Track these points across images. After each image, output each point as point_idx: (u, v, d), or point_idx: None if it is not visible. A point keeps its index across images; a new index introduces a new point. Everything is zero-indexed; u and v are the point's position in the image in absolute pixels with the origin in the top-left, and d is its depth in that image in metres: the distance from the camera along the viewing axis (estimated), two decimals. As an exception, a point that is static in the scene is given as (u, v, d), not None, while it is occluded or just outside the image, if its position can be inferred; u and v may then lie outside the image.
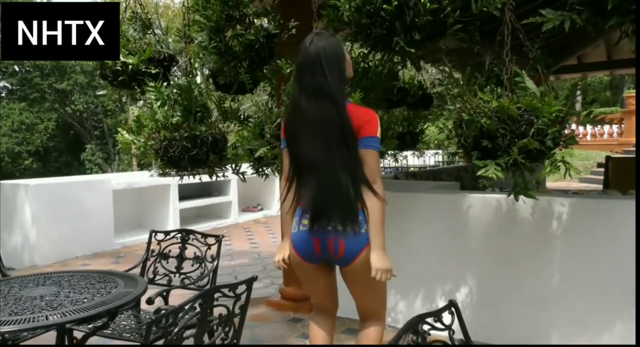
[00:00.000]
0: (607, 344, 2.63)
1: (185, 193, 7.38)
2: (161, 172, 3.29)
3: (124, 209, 6.79)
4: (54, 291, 2.03)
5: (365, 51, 2.66)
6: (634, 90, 16.01)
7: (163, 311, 2.17)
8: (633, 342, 2.60)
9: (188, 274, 2.64)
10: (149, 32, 3.56)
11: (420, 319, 1.34)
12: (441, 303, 3.17)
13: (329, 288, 2.17)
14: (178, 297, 2.96)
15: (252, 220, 8.31)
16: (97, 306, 1.85)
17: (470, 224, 3.09)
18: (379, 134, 1.91)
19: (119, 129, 3.27)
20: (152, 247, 2.77)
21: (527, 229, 2.89)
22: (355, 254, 1.92)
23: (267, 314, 3.69)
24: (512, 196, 2.30)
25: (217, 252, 2.59)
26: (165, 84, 3.16)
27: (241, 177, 3.31)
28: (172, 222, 7.03)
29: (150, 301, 2.22)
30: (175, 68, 3.59)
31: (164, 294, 2.36)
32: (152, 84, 3.09)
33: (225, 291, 1.69)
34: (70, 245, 5.76)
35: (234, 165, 3.34)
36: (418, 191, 3.49)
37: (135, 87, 3.36)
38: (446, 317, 1.43)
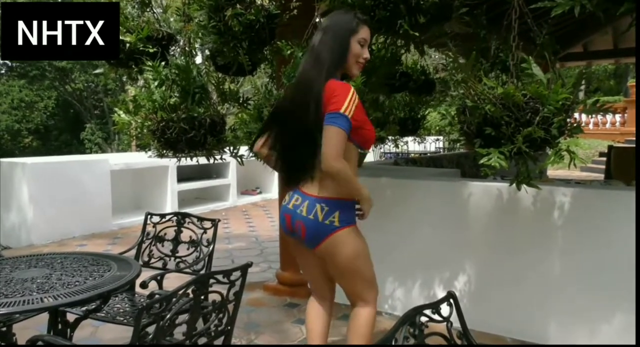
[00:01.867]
0: (607, 344, 2.61)
1: (184, 175, 7.34)
2: (158, 153, 3.25)
3: (122, 190, 6.76)
4: (45, 273, 1.99)
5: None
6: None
7: (156, 296, 2.15)
8: (632, 333, 2.58)
9: (183, 258, 2.61)
10: (148, 9, 3.48)
11: (418, 311, 1.30)
12: (439, 291, 3.15)
13: (320, 269, 2.13)
14: (173, 280, 2.95)
15: (251, 203, 8.28)
16: (89, 289, 1.81)
17: (470, 213, 3.05)
18: (344, 110, 1.78)
19: (116, 109, 3.22)
20: (147, 230, 2.74)
21: (528, 218, 2.86)
22: (317, 242, 1.94)
23: (264, 298, 3.68)
24: (514, 185, 2.26)
25: (213, 236, 2.56)
26: (163, 63, 3.09)
27: (239, 160, 3.27)
28: (170, 204, 7.00)
29: (144, 285, 2.19)
30: (174, 48, 3.52)
31: (159, 278, 2.33)
32: (149, 63, 3.02)
33: (219, 277, 1.66)
34: (67, 225, 5.74)
35: (231, 148, 3.29)
36: (418, 177, 3.45)
37: (133, 66, 3.30)
38: (444, 309, 1.39)
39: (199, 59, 3.77)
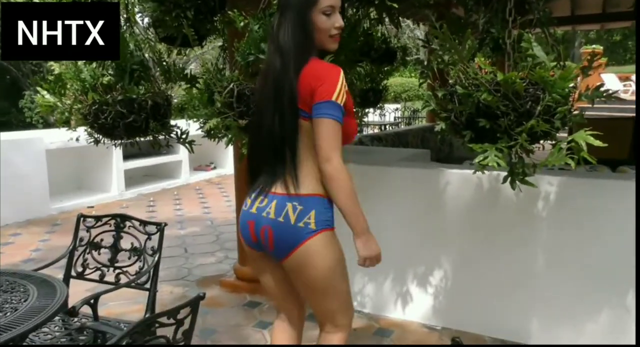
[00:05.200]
0: (607, 344, 2.44)
1: (131, 152, 6.77)
2: (91, 140, 2.81)
3: (61, 171, 6.18)
4: (-59, 308, 1.59)
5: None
6: (591, 47, 16.09)
7: (87, 330, 1.79)
8: (619, 333, 2.44)
9: (124, 269, 2.23)
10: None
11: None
12: (412, 287, 2.91)
13: (289, 284, 1.80)
14: (115, 295, 2.56)
15: (205, 180, 7.83)
16: (-4, 332, 1.43)
17: (447, 202, 2.79)
18: (335, 97, 1.52)
19: (39, 89, 2.74)
20: (80, 235, 2.33)
21: (511, 209, 2.62)
22: (288, 250, 1.60)
23: (221, 297, 3.35)
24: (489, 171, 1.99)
25: (159, 244, 2.18)
26: (93, 35, 2.62)
27: (188, 147, 2.87)
28: (117, 184, 6.48)
29: (74, 313, 1.81)
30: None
31: (92, 301, 1.95)
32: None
33: (164, 319, 1.32)
34: (-2, 212, 5.17)
35: (179, 133, 2.89)
36: (387, 163, 3.14)
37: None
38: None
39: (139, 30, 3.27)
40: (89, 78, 2.54)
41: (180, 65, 2.98)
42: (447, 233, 2.81)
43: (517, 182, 1.89)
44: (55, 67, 2.61)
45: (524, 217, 2.60)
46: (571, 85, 1.66)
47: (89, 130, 2.75)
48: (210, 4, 2.41)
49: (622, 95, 14.27)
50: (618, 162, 4.29)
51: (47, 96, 2.71)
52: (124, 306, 3.12)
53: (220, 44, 3.58)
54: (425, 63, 1.98)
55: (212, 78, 2.34)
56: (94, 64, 2.59)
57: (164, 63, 2.78)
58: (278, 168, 1.63)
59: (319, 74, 1.55)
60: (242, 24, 2.24)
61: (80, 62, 2.54)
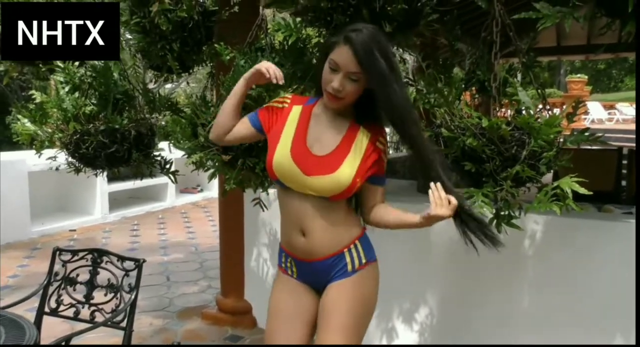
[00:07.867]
0: (607, 344, 2.40)
1: (115, 173, 6.69)
2: (71, 169, 2.76)
3: (44, 193, 6.07)
4: None
5: (322, 41, 2.21)
6: (576, 76, 16.37)
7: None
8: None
9: (100, 306, 2.16)
10: (59, -2, 2.94)
11: None
12: (398, 323, 2.86)
13: None
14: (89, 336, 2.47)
15: (191, 203, 7.74)
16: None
17: (432, 239, 2.76)
18: None
19: (19, 116, 2.69)
20: (55, 269, 2.25)
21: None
22: None
23: (201, 330, 3.26)
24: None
25: (137, 281, 2.11)
26: (77, 63, 2.59)
27: (172, 178, 2.83)
28: (100, 207, 6.38)
29: (42, 357, 1.74)
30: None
31: (63, 343, 1.87)
32: (59, 63, 2.52)
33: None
34: (-24, 235, 5.05)
35: (163, 163, 2.85)
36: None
37: (40, 65, 2.76)
38: None
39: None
40: (71, 107, 2.50)
41: (171, 85, 2.95)
42: (432, 269, 2.78)
43: (502, 224, 1.87)
44: (37, 95, 2.57)
45: (510, 255, 2.56)
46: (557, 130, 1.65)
47: (70, 159, 2.70)
48: (196, 36, 2.39)
49: (607, 124, 14.51)
50: (603, 195, 4.31)
51: (28, 124, 2.66)
52: (101, 339, 3.02)
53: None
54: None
55: (197, 110, 2.31)
56: (77, 94, 2.55)
57: (150, 94, 2.74)
58: None
59: None
60: (227, 57, 2.22)
61: (62, 91, 2.51)
